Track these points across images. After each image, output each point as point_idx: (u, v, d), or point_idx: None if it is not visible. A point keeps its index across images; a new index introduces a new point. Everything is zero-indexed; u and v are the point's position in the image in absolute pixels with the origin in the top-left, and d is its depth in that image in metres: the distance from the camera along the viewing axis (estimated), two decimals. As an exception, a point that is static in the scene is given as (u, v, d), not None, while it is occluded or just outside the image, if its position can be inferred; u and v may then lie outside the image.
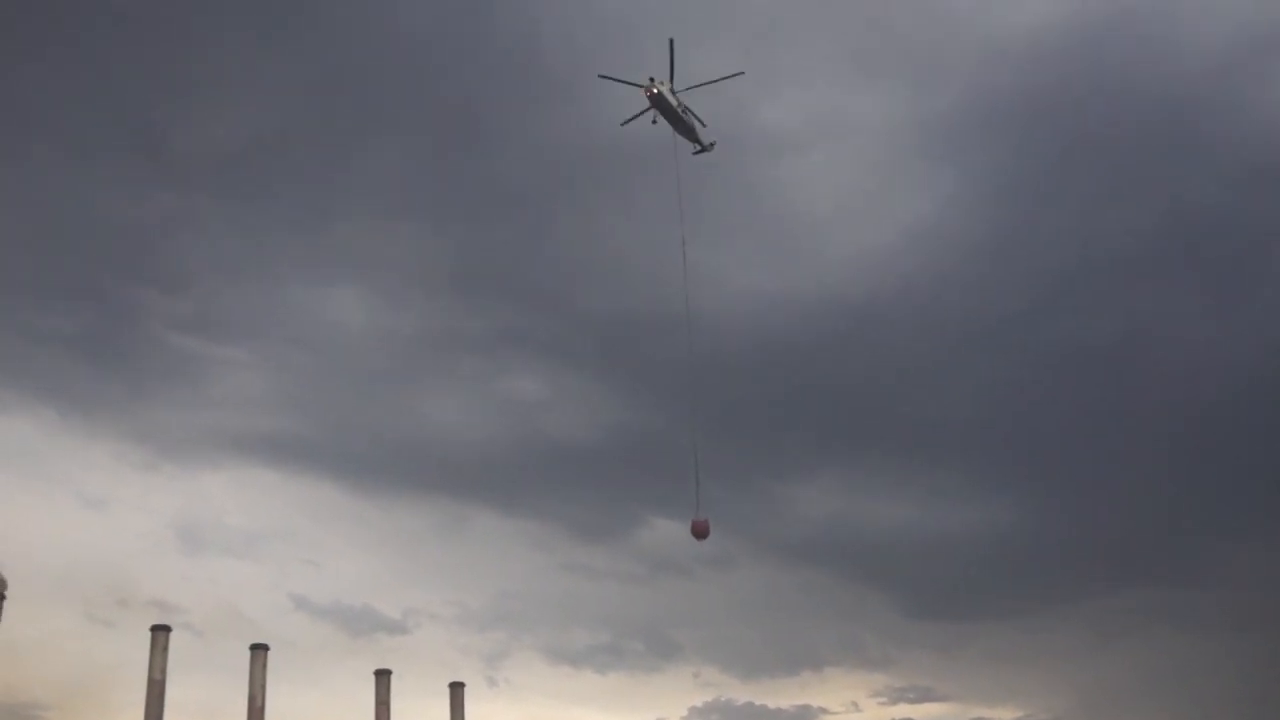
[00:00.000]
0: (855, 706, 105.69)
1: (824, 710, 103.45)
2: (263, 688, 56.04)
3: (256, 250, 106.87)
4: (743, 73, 59.83)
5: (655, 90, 58.21)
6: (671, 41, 57.29)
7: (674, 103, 59.23)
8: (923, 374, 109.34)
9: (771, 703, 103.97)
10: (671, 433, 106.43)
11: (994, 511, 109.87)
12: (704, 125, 62.96)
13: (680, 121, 60.53)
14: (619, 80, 58.73)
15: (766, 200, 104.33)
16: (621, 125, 60.90)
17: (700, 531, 51.93)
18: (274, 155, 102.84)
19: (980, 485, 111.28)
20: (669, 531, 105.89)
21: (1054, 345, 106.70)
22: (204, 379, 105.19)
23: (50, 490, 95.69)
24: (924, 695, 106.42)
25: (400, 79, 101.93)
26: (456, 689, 62.42)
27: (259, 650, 56.63)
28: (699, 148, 62.91)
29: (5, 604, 53.78)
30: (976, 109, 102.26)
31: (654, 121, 60.35)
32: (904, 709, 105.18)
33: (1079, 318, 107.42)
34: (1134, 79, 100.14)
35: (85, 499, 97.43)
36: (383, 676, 60.12)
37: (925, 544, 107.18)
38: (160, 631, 53.84)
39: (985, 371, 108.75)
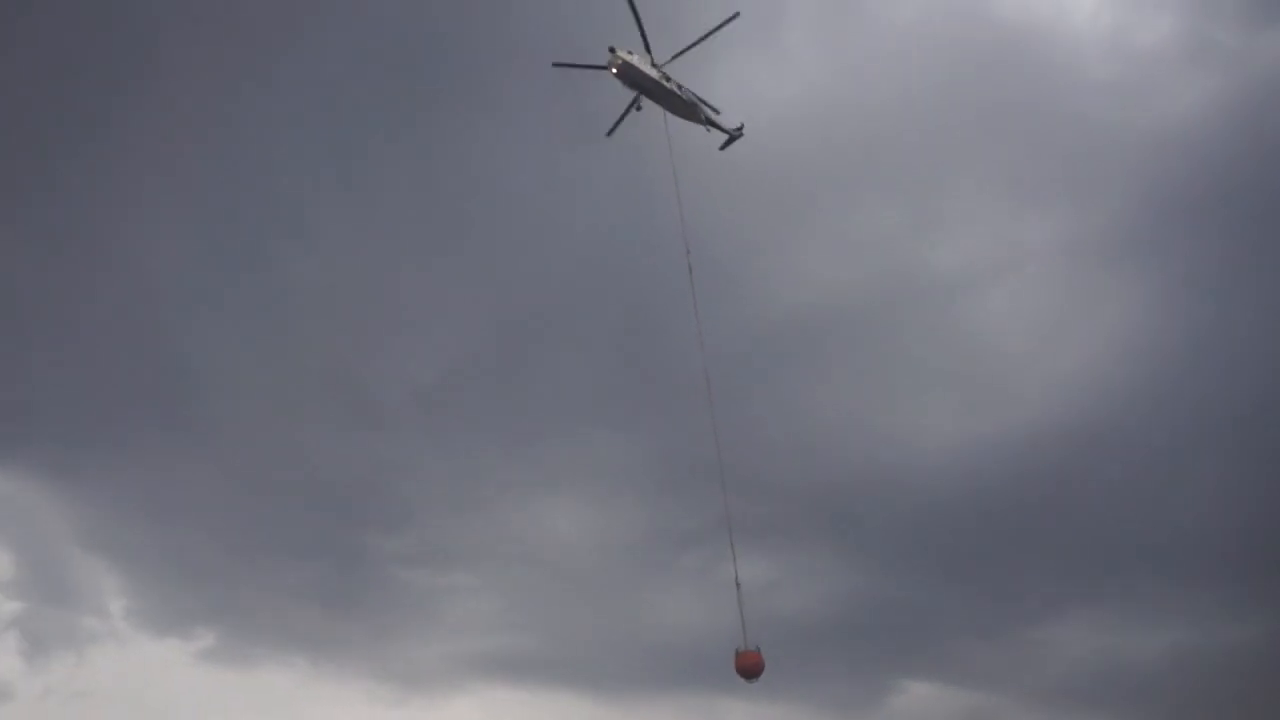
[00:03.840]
0: None
1: None
2: None
3: (466, 476, 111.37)
4: (738, 14, 47.33)
5: (620, 60, 46.61)
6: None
7: (654, 75, 48.01)
8: (1156, 489, 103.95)
9: None
10: (907, 592, 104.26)
11: (1270, 620, 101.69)
12: (717, 111, 52.76)
13: (671, 97, 49.19)
14: (576, 65, 48.08)
15: (957, 346, 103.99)
16: (608, 135, 50.13)
17: (749, 668, 39.65)
18: (469, 382, 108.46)
19: (1247, 596, 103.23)
20: (923, 694, 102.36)
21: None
22: (438, 609, 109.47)
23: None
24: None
25: (575, 287, 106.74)
26: None
27: None
28: (725, 138, 53.49)
29: None
30: (1149, 206, 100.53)
31: (637, 108, 48.89)
32: None
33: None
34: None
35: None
36: None
37: (1199, 666, 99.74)
38: None
39: (1223, 477, 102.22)
